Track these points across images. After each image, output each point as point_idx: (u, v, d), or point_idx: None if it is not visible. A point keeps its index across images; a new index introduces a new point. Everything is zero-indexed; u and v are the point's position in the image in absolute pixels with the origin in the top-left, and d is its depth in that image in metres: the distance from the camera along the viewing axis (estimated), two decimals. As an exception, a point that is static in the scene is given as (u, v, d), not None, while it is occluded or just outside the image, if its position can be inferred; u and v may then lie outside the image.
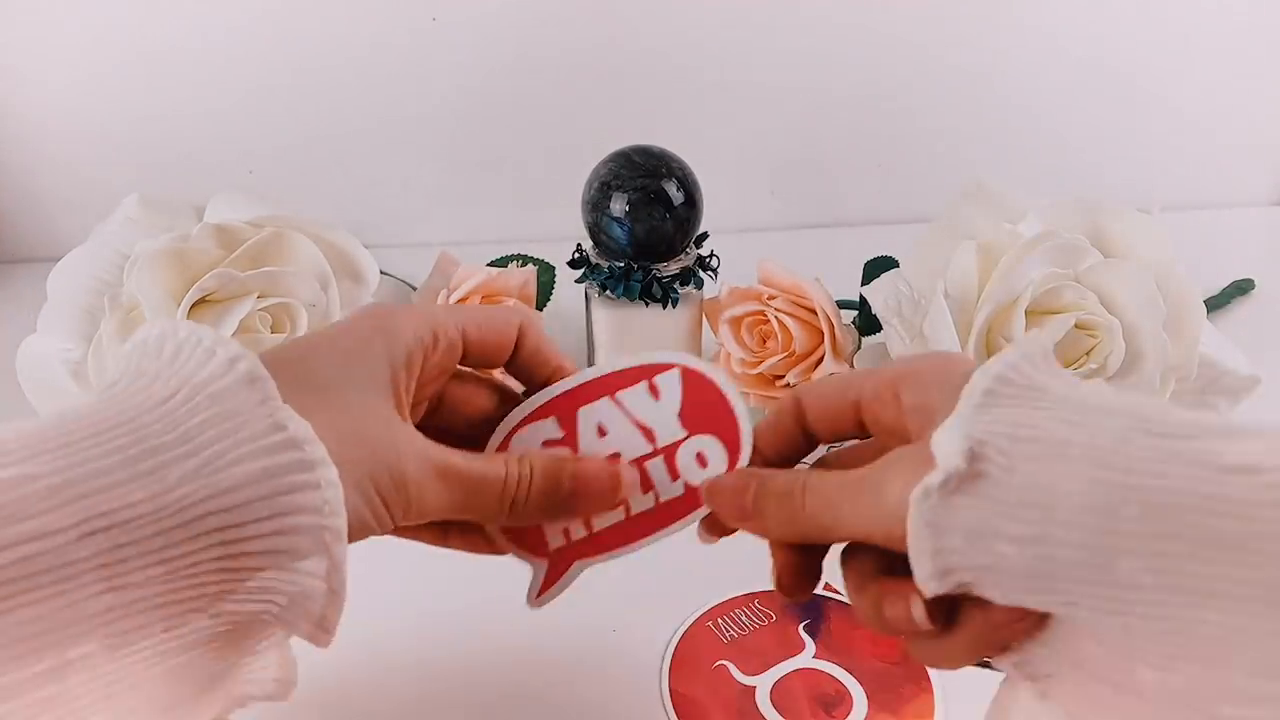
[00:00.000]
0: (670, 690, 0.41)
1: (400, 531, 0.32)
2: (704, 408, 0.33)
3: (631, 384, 0.33)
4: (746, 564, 0.47)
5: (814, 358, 0.57)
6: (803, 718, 0.40)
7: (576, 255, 0.61)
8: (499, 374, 0.37)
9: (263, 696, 0.28)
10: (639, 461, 0.33)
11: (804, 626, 0.44)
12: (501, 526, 0.33)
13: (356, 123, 0.80)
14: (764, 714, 0.40)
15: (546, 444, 0.33)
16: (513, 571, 0.33)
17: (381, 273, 0.57)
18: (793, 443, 0.33)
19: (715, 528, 0.33)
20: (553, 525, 0.32)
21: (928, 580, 0.25)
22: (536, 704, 0.41)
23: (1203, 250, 0.62)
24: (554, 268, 0.67)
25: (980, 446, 0.24)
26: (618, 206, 0.57)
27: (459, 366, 0.33)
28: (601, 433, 0.33)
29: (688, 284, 0.60)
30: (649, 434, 0.33)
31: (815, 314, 0.57)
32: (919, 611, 0.26)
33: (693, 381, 0.33)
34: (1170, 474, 0.22)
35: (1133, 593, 0.22)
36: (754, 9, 0.77)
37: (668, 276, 0.59)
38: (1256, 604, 0.21)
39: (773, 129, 0.83)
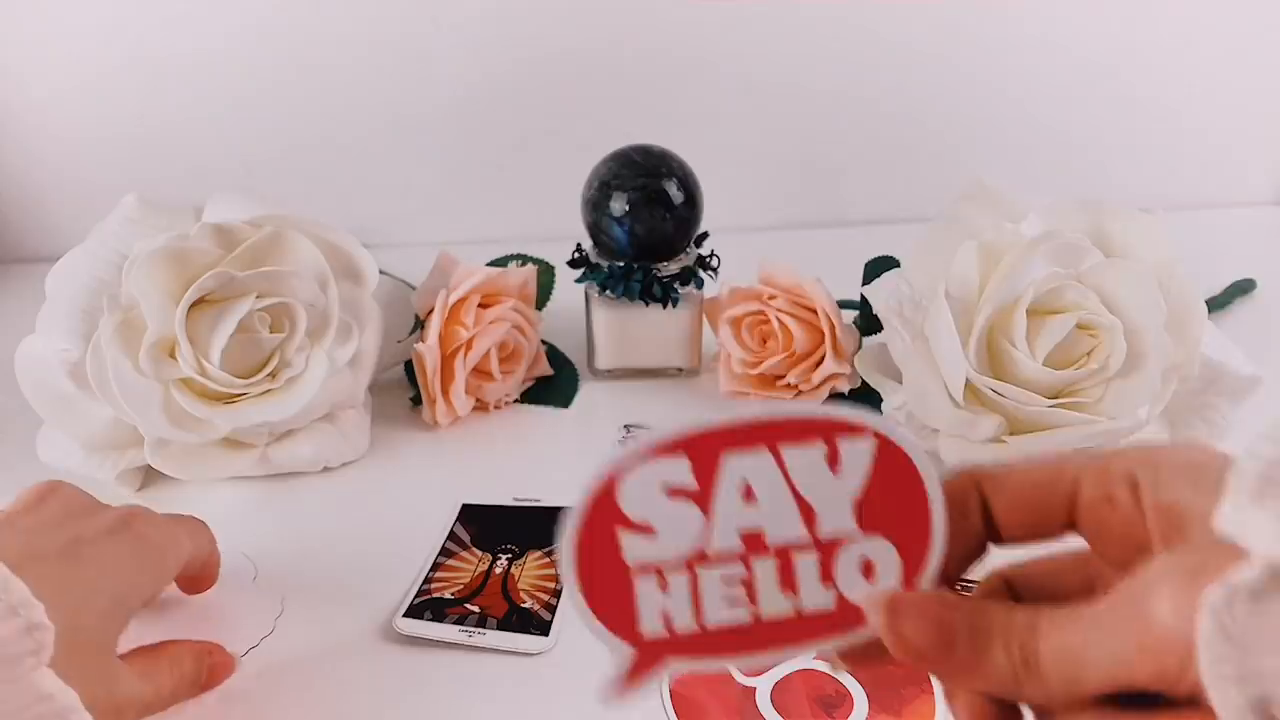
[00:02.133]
0: (671, 691, 0.41)
1: None
2: (891, 498, 0.24)
3: (805, 440, 0.24)
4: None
5: (814, 358, 0.57)
6: (803, 718, 0.40)
7: (576, 255, 0.60)
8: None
9: None
10: (786, 550, 0.25)
11: (805, 627, 0.44)
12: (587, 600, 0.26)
13: (356, 122, 0.80)
14: (764, 715, 0.40)
15: (672, 493, 0.24)
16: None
17: (381, 272, 0.57)
18: (963, 543, 0.25)
19: (862, 658, 0.25)
20: (648, 603, 0.25)
21: (1238, 713, 0.19)
22: (537, 706, 0.40)
23: (1204, 250, 0.62)
24: (554, 268, 0.67)
25: None
26: (618, 206, 0.57)
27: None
28: (748, 495, 0.24)
29: (688, 284, 0.59)
30: (809, 515, 0.25)
31: (816, 314, 0.57)
32: None
33: (888, 459, 0.24)
34: None
35: None
36: (754, 9, 0.77)
37: (668, 276, 0.59)
38: None
39: (773, 129, 0.82)
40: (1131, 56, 0.82)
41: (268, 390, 0.51)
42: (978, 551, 0.26)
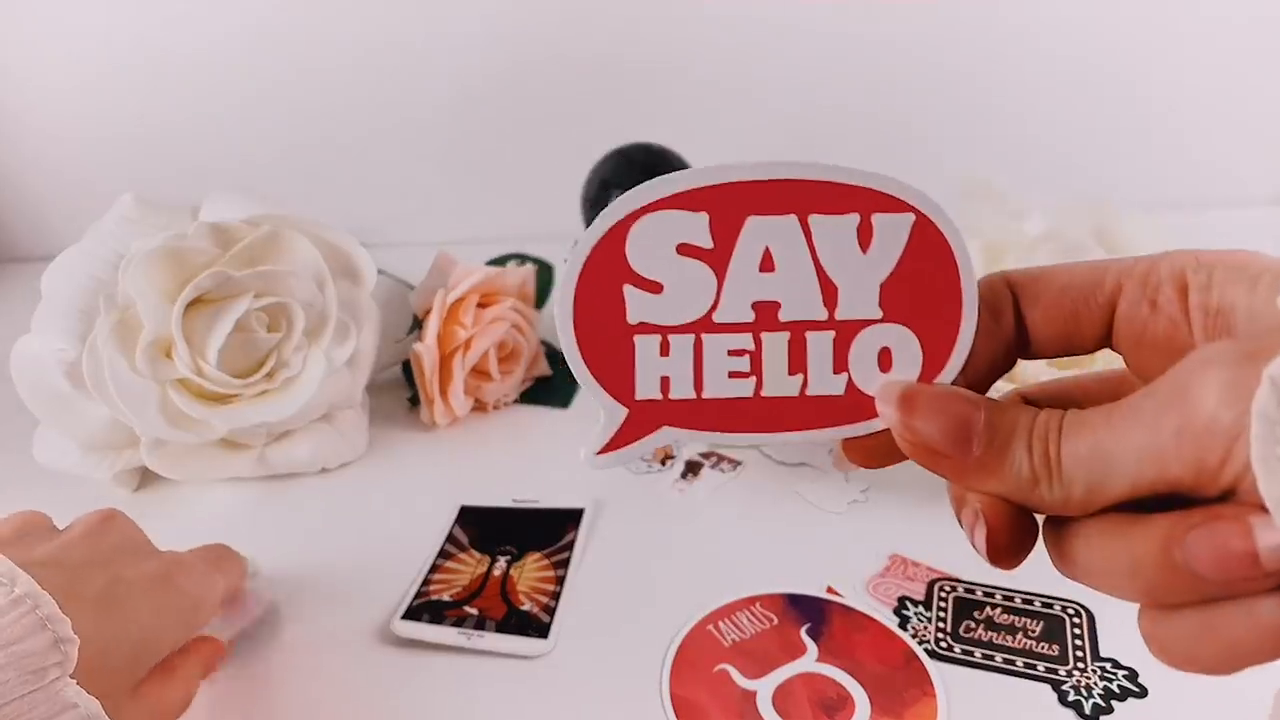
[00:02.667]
0: (671, 694, 0.41)
1: None
2: (921, 284, 0.22)
3: (838, 209, 0.22)
4: (748, 566, 0.47)
5: (815, 358, 0.57)
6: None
7: (576, 255, 0.60)
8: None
9: None
10: (800, 327, 0.23)
11: (806, 630, 0.43)
12: (583, 354, 0.23)
13: (355, 122, 0.79)
14: (765, 718, 0.39)
15: (684, 250, 0.22)
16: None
17: (379, 272, 0.56)
18: (992, 348, 0.24)
19: (869, 454, 0.24)
20: (647, 366, 0.23)
21: None
22: (537, 706, 0.40)
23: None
24: (553, 267, 0.67)
25: None
26: (617, 205, 0.57)
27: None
28: (767, 263, 0.23)
29: (688, 284, 0.59)
30: (831, 292, 0.23)
31: (816, 314, 0.57)
32: (1269, 542, 0.17)
33: (924, 241, 0.22)
34: None
35: None
36: (754, 9, 0.77)
37: (668, 276, 0.58)
38: None
39: (772, 128, 0.82)
40: (1131, 56, 0.81)
41: (265, 390, 0.51)
42: (1004, 362, 0.24)
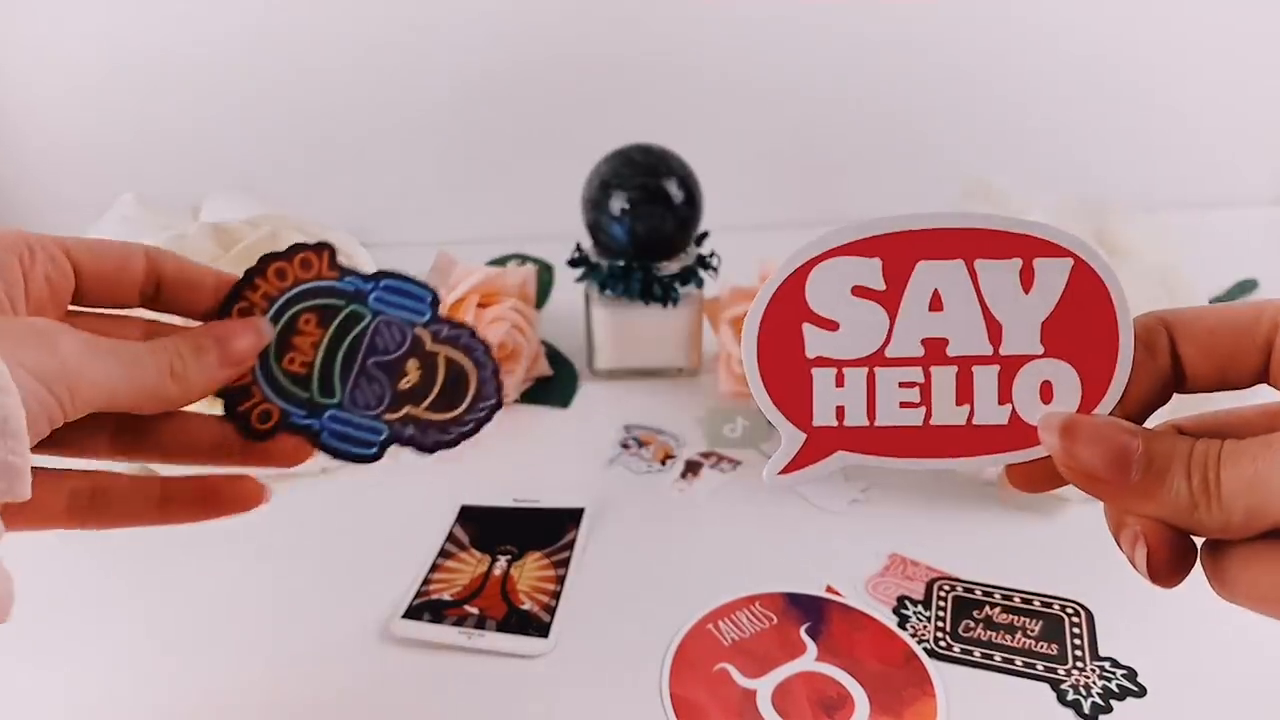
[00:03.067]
0: (670, 693, 0.41)
1: (113, 518, 0.31)
2: (1080, 324, 0.24)
3: (1002, 254, 0.24)
4: (747, 565, 0.47)
5: (815, 358, 0.57)
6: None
7: (576, 254, 0.60)
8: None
9: None
10: (967, 362, 0.25)
11: (805, 629, 0.43)
12: (765, 385, 0.25)
13: (356, 122, 0.79)
14: (765, 717, 0.39)
15: (859, 292, 0.25)
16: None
17: (380, 272, 0.56)
18: (1148, 383, 0.25)
19: (1032, 479, 0.25)
20: (823, 396, 0.25)
21: None
22: (537, 706, 0.40)
23: (1206, 250, 0.62)
24: (553, 267, 0.67)
25: None
26: (618, 205, 0.57)
27: (96, 310, 0.31)
28: (936, 304, 0.25)
29: (688, 283, 0.59)
30: (996, 330, 0.25)
31: (816, 314, 0.57)
32: None
33: (1083, 283, 0.24)
34: None
35: None
36: (754, 9, 0.77)
37: (668, 276, 0.59)
38: None
39: (772, 129, 0.82)
40: (1131, 56, 0.81)
41: (266, 390, 0.51)
42: (1161, 396, 0.25)
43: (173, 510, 0.32)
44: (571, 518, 0.50)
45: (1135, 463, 0.22)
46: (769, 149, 0.83)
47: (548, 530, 0.50)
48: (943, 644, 0.43)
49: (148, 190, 0.55)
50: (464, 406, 0.33)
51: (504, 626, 0.44)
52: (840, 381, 0.25)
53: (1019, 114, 0.83)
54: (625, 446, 0.57)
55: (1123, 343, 0.24)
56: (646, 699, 0.40)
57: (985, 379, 0.25)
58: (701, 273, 0.60)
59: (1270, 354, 0.23)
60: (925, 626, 0.44)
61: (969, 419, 0.25)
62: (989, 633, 0.43)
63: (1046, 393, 0.24)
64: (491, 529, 0.50)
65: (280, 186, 0.79)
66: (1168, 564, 0.23)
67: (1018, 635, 0.43)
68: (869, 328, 0.25)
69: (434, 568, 0.47)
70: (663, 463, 0.55)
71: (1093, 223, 0.50)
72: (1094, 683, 0.41)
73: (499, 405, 0.33)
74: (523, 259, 0.67)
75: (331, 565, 0.48)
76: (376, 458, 0.32)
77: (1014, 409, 0.24)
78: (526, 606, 0.45)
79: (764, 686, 0.41)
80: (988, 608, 0.44)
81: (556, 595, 0.46)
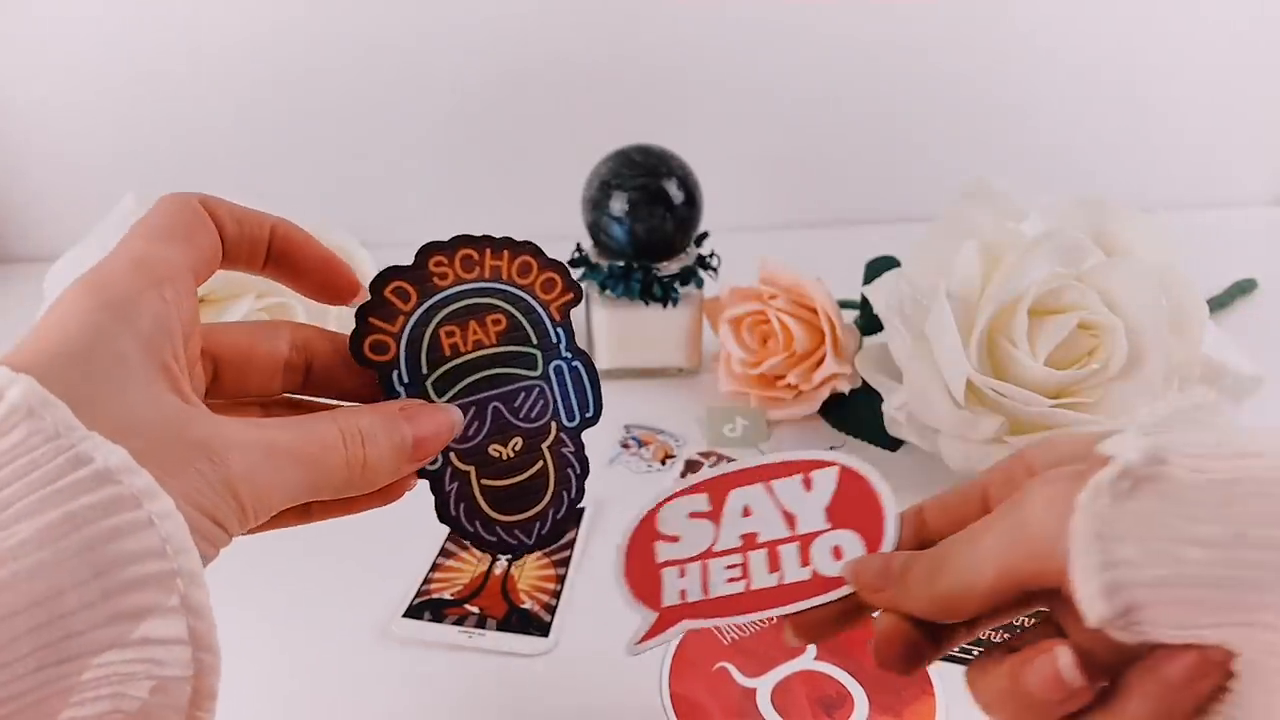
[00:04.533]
0: (671, 692, 0.41)
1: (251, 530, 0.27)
2: (853, 505, 0.33)
3: (788, 475, 0.34)
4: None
5: (815, 358, 0.57)
6: (804, 719, 0.40)
7: (576, 255, 0.60)
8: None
9: None
10: (773, 544, 0.33)
11: (805, 628, 0.43)
12: (629, 585, 0.33)
13: (356, 122, 0.80)
14: (765, 716, 0.40)
15: (693, 515, 0.34)
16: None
17: (380, 272, 0.56)
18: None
19: (810, 630, 0.31)
20: (670, 585, 0.33)
21: (1093, 601, 0.21)
22: (537, 706, 0.40)
23: (1205, 250, 0.62)
24: (553, 267, 0.67)
25: (1160, 450, 0.22)
26: (618, 205, 0.57)
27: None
28: (746, 513, 0.34)
29: (688, 283, 0.59)
30: (791, 520, 0.33)
31: (816, 314, 0.57)
32: (1065, 661, 0.22)
33: (848, 480, 0.34)
34: None
35: None
36: (754, 10, 0.77)
37: (668, 276, 0.59)
38: None
39: (773, 129, 0.82)
40: (1131, 56, 0.82)
41: (266, 390, 0.51)
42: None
43: (314, 510, 0.30)
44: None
45: (894, 566, 0.28)
46: (769, 149, 0.83)
47: None
48: (942, 643, 0.43)
49: (149, 191, 0.55)
50: (514, 518, 0.31)
51: (504, 626, 0.44)
52: (682, 574, 0.33)
53: (1018, 115, 0.83)
54: (625, 446, 0.57)
55: (886, 508, 0.32)
56: (647, 698, 0.40)
57: (789, 552, 0.32)
58: (701, 273, 0.60)
59: (987, 504, 0.29)
60: (925, 626, 0.44)
61: (780, 581, 0.32)
62: (989, 632, 0.43)
63: (838, 553, 0.32)
64: None
65: (280, 186, 0.79)
66: (900, 652, 0.28)
67: (1017, 635, 0.43)
68: (700, 536, 0.33)
69: (434, 567, 0.48)
70: (663, 462, 0.55)
71: (1092, 223, 0.50)
72: (1093, 682, 0.41)
73: (529, 548, 0.31)
74: (523, 259, 0.67)
75: (332, 564, 0.48)
76: (423, 476, 0.30)
77: (814, 568, 0.32)
78: (527, 606, 0.45)
79: (764, 685, 0.41)
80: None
81: (557, 595, 0.46)
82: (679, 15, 0.77)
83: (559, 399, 0.31)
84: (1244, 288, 0.72)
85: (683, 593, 0.33)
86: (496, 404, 0.30)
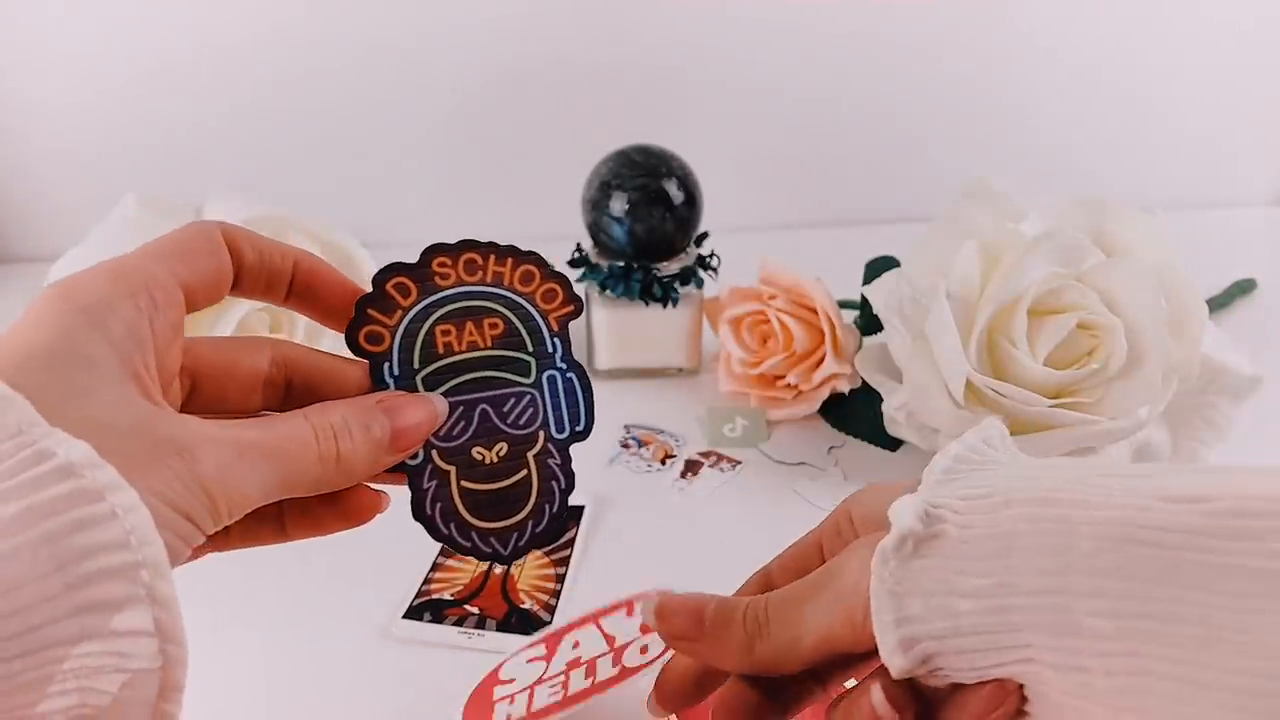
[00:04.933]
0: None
1: (228, 543, 0.28)
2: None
3: (615, 612, 0.39)
4: (747, 565, 0.47)
5: (815, 358, 0.57)
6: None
7: (576, 255, 0.60)
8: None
9: None
10: (592, 660, 0.37)
11: (805, 628, 0.43)
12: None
13: (356, 122, 0.80)
14: (765, 716, 0.40)
15: (530, 661, 0.39)
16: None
17: (380, 272, 0.56)
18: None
19: (670, 698, 0.31)
20: (502, 710, 0.37)
21: (892, 655, 0.23)
22: (536, 706, 0.40)
23: (1204, 250, 0.62)
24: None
25: (935, 509, 0.24)
26: (618, 206, 0.57)
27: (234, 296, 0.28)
28: (575, 646, 0.38)
29: (688, 283, 0.59)
30: (610, 640, 0.38)
31: (816, 314, 0.57)
32: (878, 697, 0.24)
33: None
34: (1120, 505, 0.22)
35: (1092, 642, 0.21)
36: (754, 9, 0.77)
37: (668, 276, 0.59)
38: (1193, 644, 0.20)
39: (773, 129, 0.82)
40: (1131, 56, 0.82)
41: (267, 390, 0.51)
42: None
43: (290, 528, 0.30)
44: (572, 515, 0.51)
45: (707, 617, 0.28)
46: (769, 149, 0.83)
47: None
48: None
49: (150, 191, 0.55)
50: (490, 525, 0.30)
51: (504, 626, 0.44)
52: (512, 701, 0.37)
53: (1018, 115, 0.83)
54: (625, 446, 0.57)
55: None
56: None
57: (604, 661, 0.37)
58: (701, 273, 0.60)
59: (822, 554, 0.31)
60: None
61: (593, 682, 0.36)
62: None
63: (644, 651, 0.36)
64: None
65: (280, 186, 0.79)
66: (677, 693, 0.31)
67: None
68: (532, 673, 0.38)
69: (434, 567, 0.48)
70: (663, 462, 0.55)
71: (1091, 223, 0.50)
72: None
73: (503, 559, 0.30)
74: (523, 259, 0.67)
75: (332, 565, 0.48)
76: (393, 471, 0.29)
77: (622, 664, 0.36)
78: (527, 606, 0.45)
79: (764, 685, 0.41)
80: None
81: (557, 594, 0.46)
82: (679, 15, 0.77)
83: (549, 409, 0.31)
84: (1244, 288, 0.72)
85: (508, 716, 0.36)
86: (485, 406, 0.30)
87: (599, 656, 0.37)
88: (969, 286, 0.49)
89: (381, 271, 0.29)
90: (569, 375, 0.31)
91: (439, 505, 0.30)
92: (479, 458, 0.30)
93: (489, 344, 0.30)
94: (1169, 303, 0.47)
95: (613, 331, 0.61)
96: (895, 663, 0.23)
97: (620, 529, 0.50)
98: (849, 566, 0.26)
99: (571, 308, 0.31)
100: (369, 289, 0.29)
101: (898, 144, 0.84)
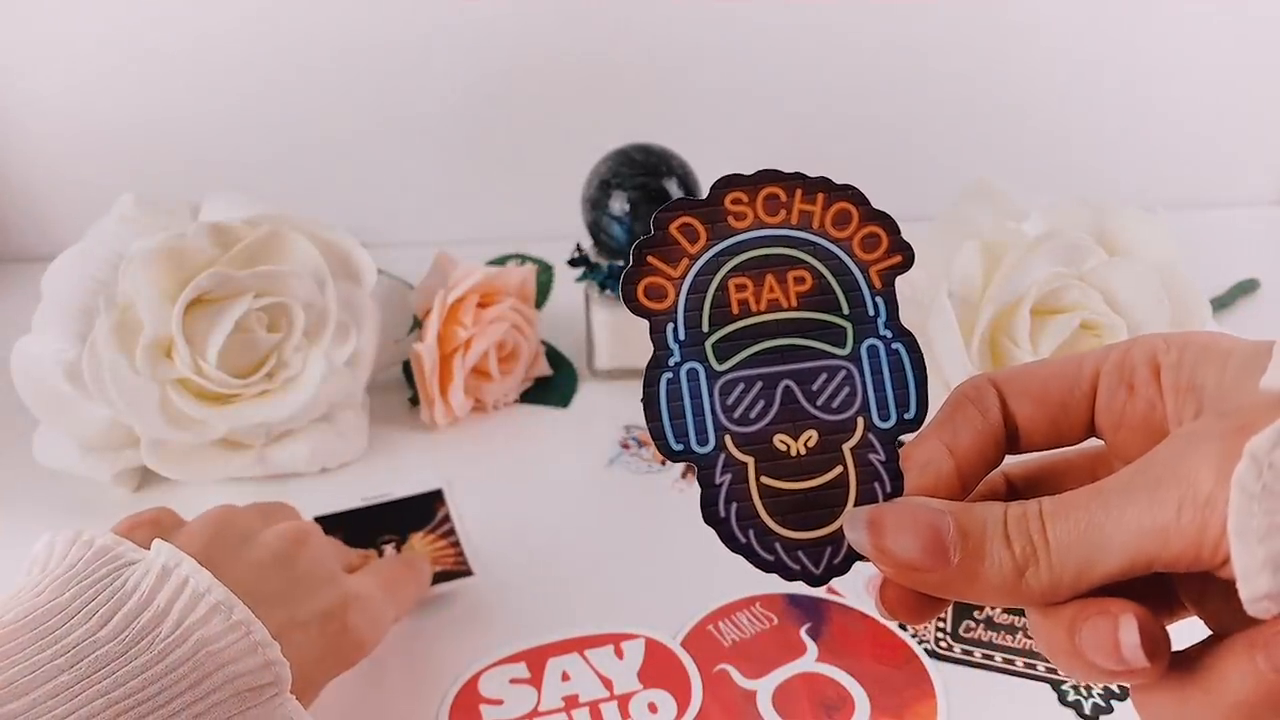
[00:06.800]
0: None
1: None
2: (662, 669, 0.39)
3: (601, 645, 0.40)
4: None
5: (815, 358, 0.57)
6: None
7: (576, 254, 0.60)
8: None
9: None
10: (594, 704, 0.38)
11: (806, 630, 0.43)
12: None
13: (355, 121, 0.79)
14: (765, 718, 0.39)
15: (513, 681, 0.39)
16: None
17: (379, 272, 0.56)
18: (981, 444, 0.24)
19: (899, 605, 0.23)
20: None
21: (1259, 573, 0.17)
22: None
23: (1207, 250, 0.62)
24: (552, 267, 0.67)
25: None
26: (618, 205, 0.57)
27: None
28: (565, 678, 0.39)
29: (688, 283, 0.59)
30: (608, 684, 0.39)
31: (816, 314, 0.57)
32: (1129, 637, 0.19)
33: (654, 648, 0.40)
34: None
35: None
36: (755, 10, 0.77)
37: (668, 276, 0.58)
38: None
39: (773, 128, 0.82)
40: (1131, 56, 0.81)
41: (265, 390, 0.51)
42: (995, 457, 0.25)
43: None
44: (435, 498, 0.51)
45: (951, 544, 0.21)
46: (769, 148, 0.83)
47: (417, 515, 0.51)
48: (943, 645, 0.42)
49: (147, 190, 0.55)
50: (798, 535, 0.24)
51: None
52: None
53: (1019, 114, 0.83)
54: (625, 446, 0.57)
55: (691, 678, 0.39)
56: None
57: (610, 710, 0.38)
58: (701, 273, 0.60)
59: (1094, 402, 0.24)
60: (926, 627, 0.43)
61: None
62: (990, 633, 0.43)
63: (653, 709, 0.38)
64: (357, 529, 0.50)
65: (280, 186, 0.79)
66: (915, 603, 0.22)
67: (1018, 636, 0.43)
68: (523, 699, 0.39)
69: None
70: (662, 463, 0.55)
71: (1093, 222, 0.50)
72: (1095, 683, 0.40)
73: (816, 580, 0.24)
74: (522, 259, 0.67)
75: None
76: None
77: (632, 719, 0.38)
78: (438, 569, 0.46)
79: (764, 687, 0.41)
80: (988, 608, 0.44)
81: (464, 559, 0.47)
82: (679, 15, 0.77)
83: (871, 389, 0.24)
84: (1246, 287, 0.72)
85: None
86: (789, 382, 0.24)
87: (600, 701, 0.38)
88: (971, 286, 0.49)
89: (664, 209, 0.24)
90: (895, 345, 0.24)
91: (735, 506, 0.24)
92: (783, 448, 0.24)
93: (793, 303, 0.24)
94: (1171, 303, 0.47)
95: (613, 331, 0.60)
96: (1259, 584, 0.18)
97: (620, 530, 0.50)
98: (1200, 463, 0.19)
99: (900, 258, 0.25)
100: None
101: (898, 144, 0.84)
